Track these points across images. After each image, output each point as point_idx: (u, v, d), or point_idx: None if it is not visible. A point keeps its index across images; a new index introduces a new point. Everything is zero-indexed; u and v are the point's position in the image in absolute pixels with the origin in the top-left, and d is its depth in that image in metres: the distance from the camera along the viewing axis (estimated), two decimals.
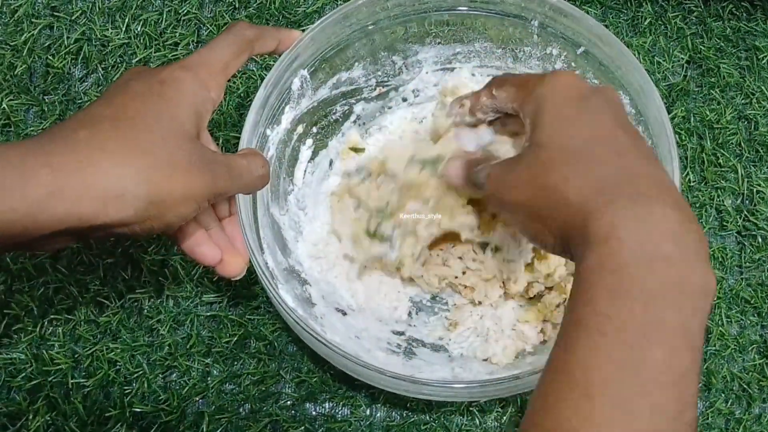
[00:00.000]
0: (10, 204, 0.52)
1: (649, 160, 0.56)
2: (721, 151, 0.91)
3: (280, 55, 0.75)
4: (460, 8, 0.81)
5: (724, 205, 0.89)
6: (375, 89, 0.87)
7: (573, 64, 0.81)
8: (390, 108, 0.88)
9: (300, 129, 0.83)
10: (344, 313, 0.81)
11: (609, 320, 0.49)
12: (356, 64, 0.84)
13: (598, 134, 0.57)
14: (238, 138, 0.74)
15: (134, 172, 0.56)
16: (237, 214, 0.71)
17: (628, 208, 0.52)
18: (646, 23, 0.94)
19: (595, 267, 0.51)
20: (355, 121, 0.88)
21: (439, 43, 0.85)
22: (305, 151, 0.85)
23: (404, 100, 0.88)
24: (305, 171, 0.86)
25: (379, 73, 0.86)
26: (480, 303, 0.83)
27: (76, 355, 0.82)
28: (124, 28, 0.92)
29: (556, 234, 0.57)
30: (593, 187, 0.54)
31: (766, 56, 0.94)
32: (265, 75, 0.75)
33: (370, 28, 0.81)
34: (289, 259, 0.81)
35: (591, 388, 0.48)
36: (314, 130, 0.85)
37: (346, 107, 0.86)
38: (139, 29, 0.92)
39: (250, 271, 0.82)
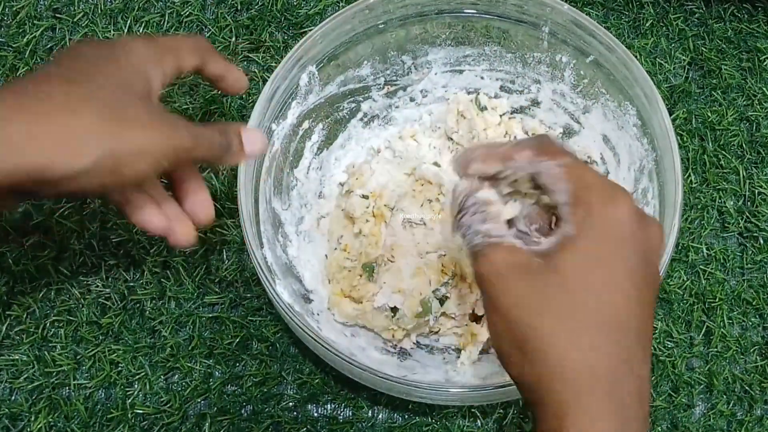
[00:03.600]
0: None
1: (643, 346, 0.53)
2: (723, 152, 0.91)
3: (229, 92, 0.72)
4: (466, 11, 0.81)
5: (726, 207, 0.89)
6: (383, 88, 0.87)
7: (581, 71, 0.81)
8: (397, 107, 0.88)
9: (306, 125, 0.83)
10: None
11: None
12: (365, 62, 0.84)
13: (612, 310, 0.53)
14: None
15: (86, 122, 0.54)
16: (204, 190, 0.68)
17: (608, 411, 0.51)
18: (647, 25, 0.94)
19: None
20: (362, 119, 0.88)
21: (449, 45, 0.85)
22: (310, 147, 0.85)
23: (412, 100, 0.88)
24: (309, 167, 0.86)
25: (388, 72, 0.86)
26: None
27: (78, 357, 0.82)
28: (126, 30, 0.92)
29: (527, 374, 0.54)
30: (586, 368, 0.51)
31: (767, 58, 0.94)
32: (268, 77, 0.76)
33: (380, 26, 0.81)
34: (288, 254, 0.81)
35: None
36: (320, 126, 0.85)
37: (353, 105, 0.87)
38: (141, 31, 0.92)
39: (252, 271, 0.83)
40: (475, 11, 0.81)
